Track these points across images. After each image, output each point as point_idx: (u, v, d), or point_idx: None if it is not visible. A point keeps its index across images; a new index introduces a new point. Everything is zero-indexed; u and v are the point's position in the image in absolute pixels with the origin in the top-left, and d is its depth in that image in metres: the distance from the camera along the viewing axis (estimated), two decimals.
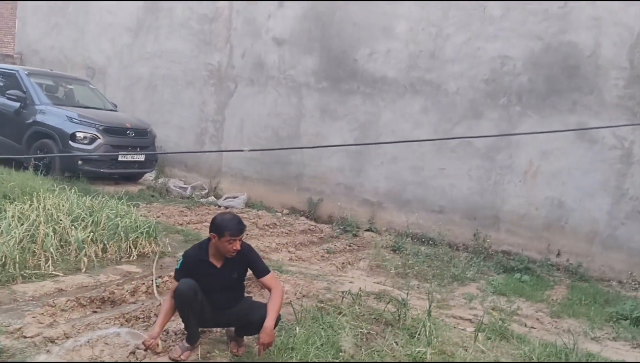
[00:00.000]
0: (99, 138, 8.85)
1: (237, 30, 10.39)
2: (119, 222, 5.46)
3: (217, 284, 3.62)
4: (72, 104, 9.64)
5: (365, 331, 4.26)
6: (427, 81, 8.67)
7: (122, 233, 5.42)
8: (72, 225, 5.45)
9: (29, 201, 5.65)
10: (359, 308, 4.81)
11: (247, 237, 7.64)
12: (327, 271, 6.40)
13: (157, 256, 5.61)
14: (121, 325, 3.96)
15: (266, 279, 3.66)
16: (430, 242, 8.27)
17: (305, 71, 9.70)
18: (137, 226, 5.72)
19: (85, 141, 8.78)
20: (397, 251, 7.77)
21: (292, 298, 5.11)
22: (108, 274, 4.98)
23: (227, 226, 3.51)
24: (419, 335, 4.17)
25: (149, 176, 10.39)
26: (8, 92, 9.19)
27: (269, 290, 3.66)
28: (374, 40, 9.06)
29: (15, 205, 5.38)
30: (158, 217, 7.95)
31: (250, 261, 3.69)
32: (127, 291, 4.57)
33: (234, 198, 9.95)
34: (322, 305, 4.93)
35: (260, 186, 10.10)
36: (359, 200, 9.26)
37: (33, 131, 8.92)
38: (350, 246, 7.99)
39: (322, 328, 4.03)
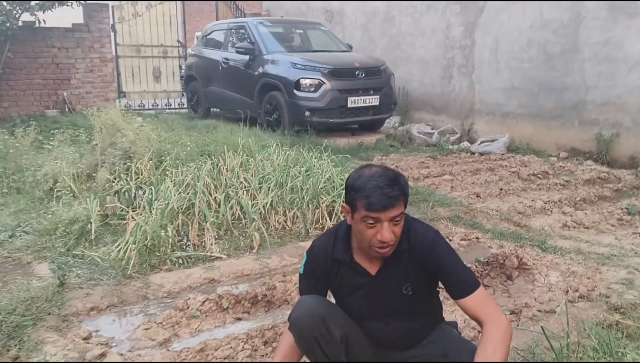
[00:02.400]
0: (324, 82, 7.66)
1: None
2: (299, 184, 4.03)
3: (374, 305, 1.86)
4: (302, 50, 8.69)
5: None
6: None
7: (305, 197, 3.99)
8: (259, 187, 4.28)
9: (213, 160, 4.69)
10: None
11: (503, 193, 5.50)
12: (627, 248, 3.95)
13: None
14: (254, 350, 2.52)
15: (470, 301, 1.73)
16: None
17: None
18: (332, 186, 4.25)
19: (311, 89, 7.69)
20: None
21: (560, 299, 3.01)
22: (284, 255, 3.62)
23: (361, 189, 1.68)
24: None
25: (390, 123, 8.89)
26: (236, 45, 8.68)
27: (479, 323, 1.74)
28: None
29: (191, 167, 4.42)
30: None
31: (436, 266, 1.79)
32: (295, 284, 3.13)
33: (492, 141, 7.77)
34: (617, 318, 2.72)
35: (526, 124, 7.66)
36: None
37: (262, 84, 8.22)
38: None
39: None
